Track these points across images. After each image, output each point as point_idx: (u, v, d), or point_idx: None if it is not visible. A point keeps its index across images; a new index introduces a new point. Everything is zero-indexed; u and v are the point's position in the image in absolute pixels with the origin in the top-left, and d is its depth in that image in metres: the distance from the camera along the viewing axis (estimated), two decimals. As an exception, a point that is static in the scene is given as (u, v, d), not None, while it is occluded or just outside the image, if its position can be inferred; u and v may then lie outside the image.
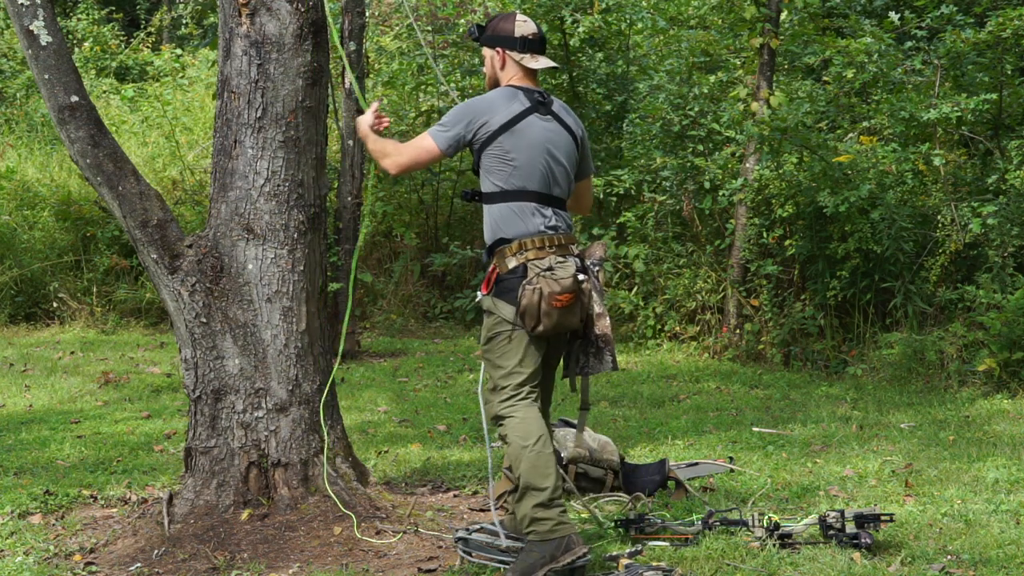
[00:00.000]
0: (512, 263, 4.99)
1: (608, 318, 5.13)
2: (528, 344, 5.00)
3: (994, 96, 10.39)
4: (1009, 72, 10.74)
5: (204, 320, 5.71)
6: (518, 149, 5.00)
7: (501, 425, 5.06)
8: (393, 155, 5.14)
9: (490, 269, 5.08)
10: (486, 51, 5.20)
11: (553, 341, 5.14)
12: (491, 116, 5.01)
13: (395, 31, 15.39)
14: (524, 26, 5.14)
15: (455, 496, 6.47)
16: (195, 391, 5.76)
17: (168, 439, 7.81)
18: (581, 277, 4.97)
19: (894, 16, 11.19)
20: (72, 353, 11.03)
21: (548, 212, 5.04)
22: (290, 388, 5.77)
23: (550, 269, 4.92)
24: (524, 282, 4.92)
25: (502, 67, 5.16)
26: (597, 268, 5.11)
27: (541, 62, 5.16)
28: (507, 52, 5.13)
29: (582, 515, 6.01)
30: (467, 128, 5.04)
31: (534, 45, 5.15)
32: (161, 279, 5.76)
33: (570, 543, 4.93)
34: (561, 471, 5.21)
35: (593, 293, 5.05)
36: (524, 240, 4.98)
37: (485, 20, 5.30)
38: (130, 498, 6.33)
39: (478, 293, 5.20)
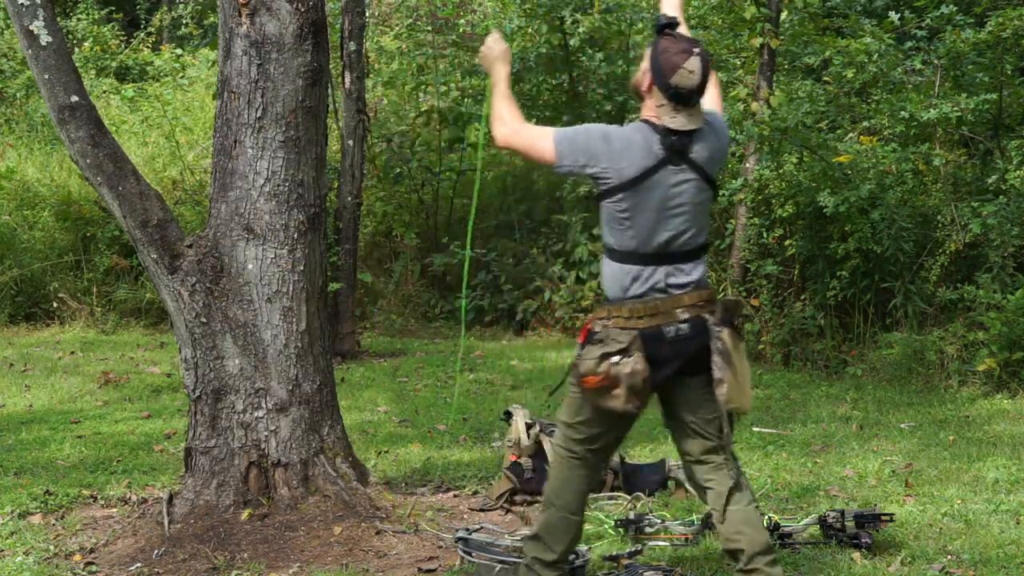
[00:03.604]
0: (596, 326, 4.54)
1: (726, 386, 4.49)
2: (595, 412, 4.58)
3: (994, 96, 10.38)
4: (1009, 72, 10.74)
5: (204, 320, 5.71)
6: (637, 209, 4.45)
7: (553, 459, 4.86)
8: (509, 129, 4.60)
9: (588, 319, 4.71)
10: (646, 54, 4.55)
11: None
12: (619, 166, 4.42)
13: (395, 31, 15.39)
14: (684, 77, 4.40)
15: (455, 496, 6.47)
16: (195, 391, 5.76)
17: (168, 439, 7.80)
18: (615, 359, 4.42)
19: (894, 16, 11.19)
20: (72, 353, 11.03)
21: (660, 274, 4.50)
22: (290, 388, 5.77)
23: (600, 343, 4.47)
24: (576, 355, 4.55)
25: (646, 90, 4.50)
26: (719, 329, 4.50)
27: (677, 121, 4.43)
28: (655, 86, 4.46)
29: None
30: (588, 164, 4.46)
31: (683, 99, 4.42)
32: (161, 279, 5.76)
33: None
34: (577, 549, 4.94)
35: (715, 356, 4.47)
36: (614, 307, 4.52)
37: (658, 21, 4.58)
38: (130, 498, 6.33)
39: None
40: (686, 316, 4.49)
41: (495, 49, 4.76)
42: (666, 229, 4.47)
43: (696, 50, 4.40)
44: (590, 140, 4.47)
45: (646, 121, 4.50)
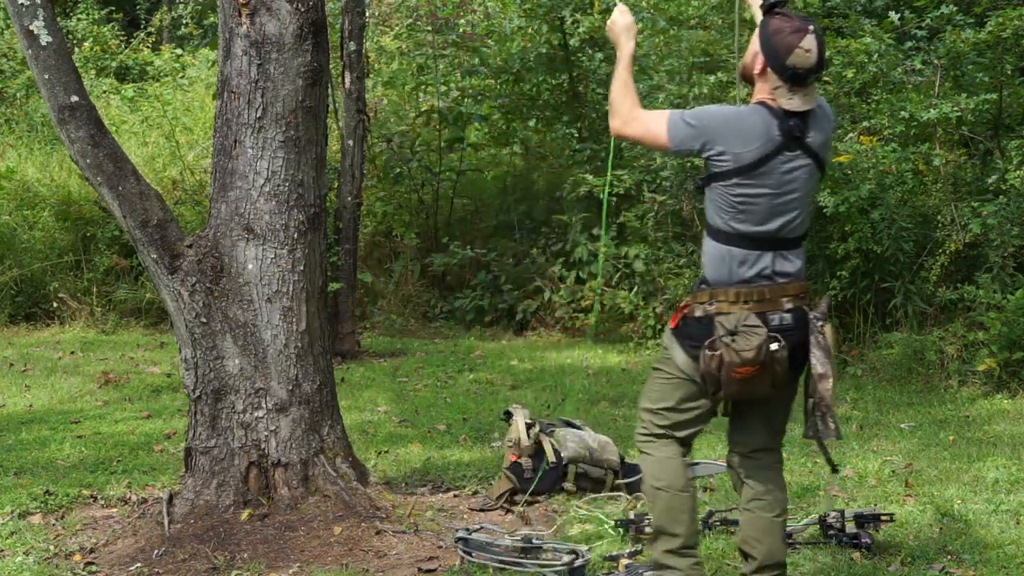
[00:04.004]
0: (698, 312, 4.46)
1: (831, 380, 4.44)
2: (688, 397, 4.57)
3: (994, 96, 10.38)
4: (1009, 72, 10.73)
5: (204, 320, 5.72)
6: (753, 194, 4.37)
7: (640, 455, 4.77)
8: (621, 121, 4.47)
9: (683, 303, 4.59)
10: (756, 35, 4.44)
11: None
12: (737, 148, 4.32)
13: (395, 31, 15.39)
14: (802, 57, 4.30)
15: (455, 496, 6.47)
16: (195, 391, 5.76)
17: (168, 439, 7.81)
18: (773, 347, 4.31)
19: (894, 16, 11.18)
20: (72, 353, 11.03)
21: (767, 259, 4.41)
22: (290, 388, 5.77)
23: (733, 334, 4.34)
24: (707, 344, 4.39)
25: (759, 73, 4.40)
26: (820, 323, 4.44)
27: (796, 101, 4.35)
28: (770, 68, 4.36)
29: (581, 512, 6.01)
30: (705, 146, 4.36)
31: (800, 79, 4.33)
32: (161, 279, 5.77)
33: None
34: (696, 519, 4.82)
35: (816, 351, 4.41)
36: (718, 291, 4.42)
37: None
38: (130, 498, 6.33)
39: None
40: (790, 306, 4.42)
41: (620, 21, 4.62)
42: (779, 215, 4.40)
43: (811, 27, 4.31)
44: (707, 122, 4.37)
45: (763, 104, 4.40)
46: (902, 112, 10.30)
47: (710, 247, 4.48)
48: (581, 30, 13.20)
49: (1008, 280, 9.62)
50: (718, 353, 4.34)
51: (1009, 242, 9.68)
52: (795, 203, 4.43)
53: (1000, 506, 6.09)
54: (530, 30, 13.72)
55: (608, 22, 4.66)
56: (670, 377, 4.60)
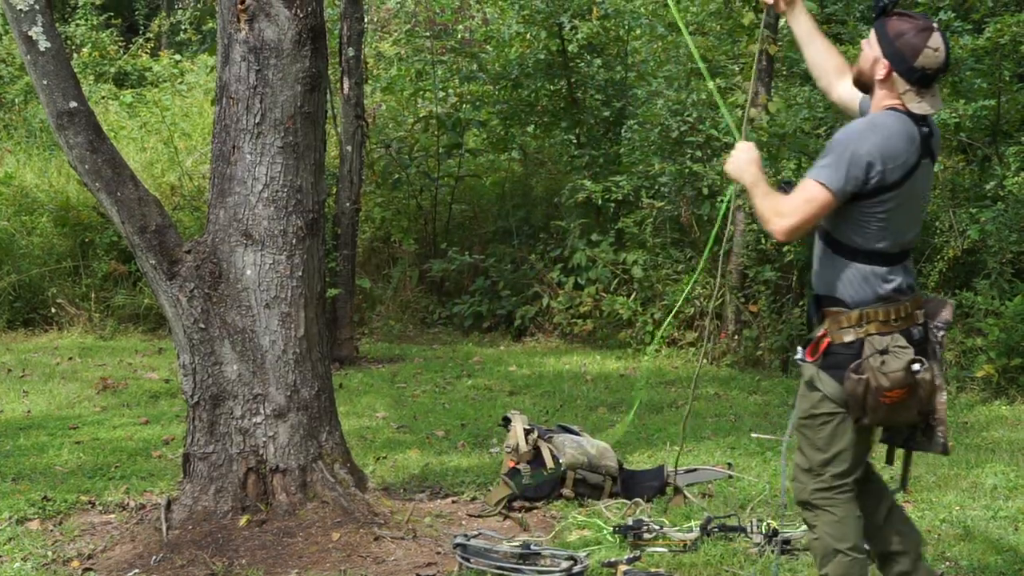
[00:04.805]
0: (849, 336, 4.16)
1: (945, 393, 4.27)
2: (858, 430, 4.24)
3: (992, 102, 10.39)
4: (1007, 78, 10.75)
5: (202, 326, 5.71)
6: (898, 207, 4.14)
7: (811, 512, 4.36)
8: (785, 222, 4.13)
9: (820, 334, 4.25)
10: (872, 40, 4.20)
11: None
12: (891, 164, 4.07)
13: (394, 37, 15.40)
14: (931, 57, 4.09)
15: (453, 502, 6.47)
16: (193, 396, 5.76)
17: (166, 445, 7.80)
18: (916, 367, 4.09)
19: (892, 22, 11.19)
20: (70, 359, 11.02)
21: (899, 272, 4.21)
22: (288, 394, 5.77)
23: (884, 353, 4.10)
24: (851, 367, 4.12)
25: (882, 79, 4.16)
26: (941, 333, 4.26)
27: (924, 105, 4.14)
28: (893, 73, 4.15)
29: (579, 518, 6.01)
30: (867, 172, 4.05)
31: (928, 80, 4.13)
32: (159, 285, 5.76)
33: None
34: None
35: (934, 366, 4.20)
36: (867, 310, 4.15)
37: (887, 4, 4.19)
38: (128, 504, 6.33)
39: (798, 351, 4.36)
40: (922, 320, 4.25)
41: (742, 158, 4.36)
42: (913, 226, 4.25)
43: (934, 25, 4.12)
44: (852, 153, 4.05)
45: (900, 111, 4.15)
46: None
47: (846, 268, 4.19)
48: (579, 36, 13.22)
49: (1006, 286, 9.63)
50: (864, 377, 4.09)
51: (1007, 248, 9.69)
52: (923, 210, 4.31)
53: (999, 512, 6.08)
54: (528, 36, 13.74)
55: (727, 164, 4.42)
56: (830, 417, 4.25)
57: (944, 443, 4.30)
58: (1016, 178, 9.98)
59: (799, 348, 4.35)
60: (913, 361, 4.09)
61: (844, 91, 4.53)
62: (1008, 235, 9.68)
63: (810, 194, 4.09)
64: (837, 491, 4.29)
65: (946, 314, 4.29)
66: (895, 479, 4.71)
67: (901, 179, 4.09)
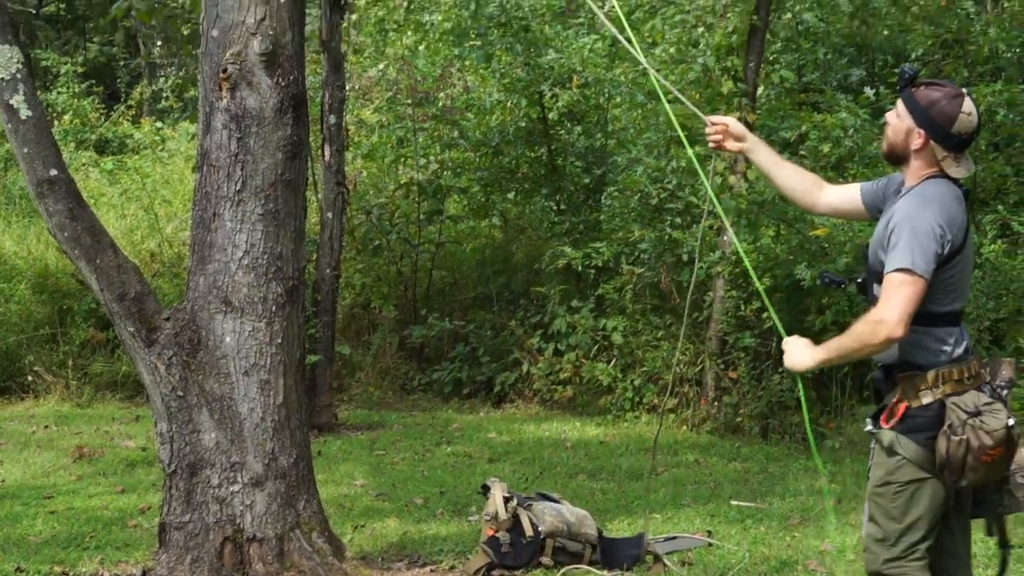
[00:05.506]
0: (927, 398, 4.15)
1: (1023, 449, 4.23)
2: (935, 496, 4.20)
3: (968, 170, 10.49)
4: (983, 147, 10.86)
5: (181, 393, 5.69)
6: (960, 268, 4.18)
7: None
8: (885, 322, 4.10)
9: (895, 400, 4.23)
10: (902, 111, 4.26)
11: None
12: (954, 228, 4.13)
13: (375, 104, 15.49)
14: (966, 122, 4.18)
15: (432, 571, 6.42)
16: (170, 465, 5.72)
17: (143, 514, 7.73)
18: (1011, 422, 4.07)
19: (869, 92, 11.32)
20: (46, 427, 10.94)
21: (963, 332, 4.25)
22: (266, 462, 5.74)
23: (978, 415, 4.07)
24: (946, 429, 4.09)
25: (919, 149, 4.21)
26: (1006, 392, 4.22)
27: (963, 167, 4.23)
28: (931, 142, 4.20)
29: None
30: (941, 244, 4.08)
31: (964, 145, 4.23)
32: (138, 352, 5.75)
33: None
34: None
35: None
36: (942, 371, 4.15)
37: (922, 74, 4.17)
38: (103, 574, 6.26)
39: (868, 422, 4.36)
40: (988, 377, 4.24)
41: (794, 350, 4.39)
42: (967, 287, 4.32)
43: (964, 91, 4.20)
44: (926, 232, 4.07)
45: (947, 178, 4.22)
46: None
47: (915, 334, 4.13)
48: (560, 104, 13.32)
49: (984, 353, 9.66)
50: (964, 437, 4.05)
51: (985, 315, 9.74)
52: (971, 270, 4.38)
53: (980, 580, 6.06)
54: (509, 104, 13.84)
55: (788, 361, 4.41)
56: (906, 485, 4.20)
57: None
58: (993, 246, 10.06)
59: (869, 419, 4.34)
60: (1009, 416, 4.09)
61: (832, 198, 4.59)
62: (986, 303, 9.73)
63: (907, 285, 4.05)
64: (909, 559, 4.24)
65: (1008, 372, 4.27)
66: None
67: (963, 241, 4.16)
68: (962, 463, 4.06)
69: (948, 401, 4.11)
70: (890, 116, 4.28)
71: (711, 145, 4.73)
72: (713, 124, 4.70)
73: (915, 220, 4.09)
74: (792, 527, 7.29)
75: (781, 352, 4.45)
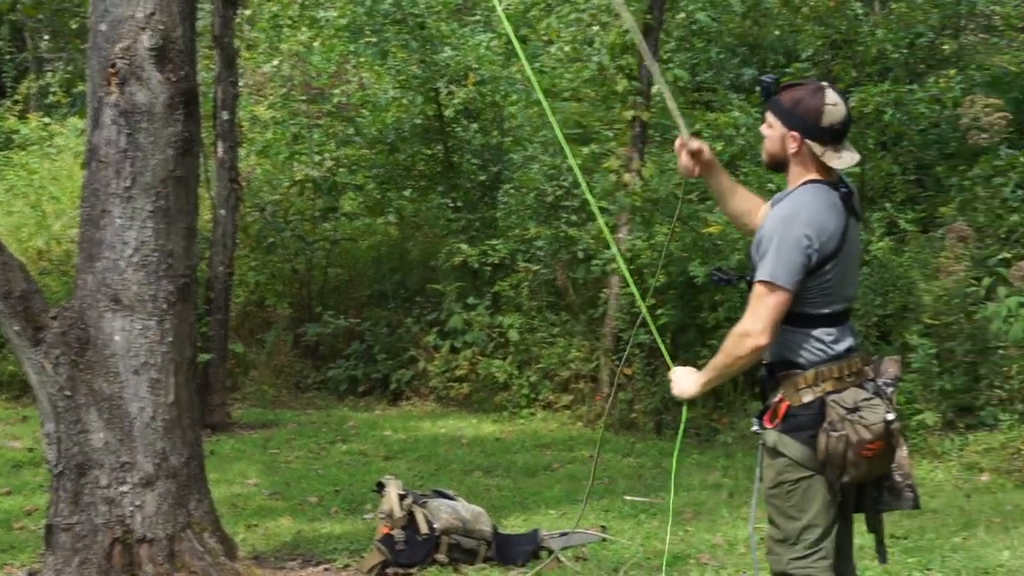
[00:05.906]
0: (807, 396, 4.16)
1: (907, 448, 4.27)
2: (827, 492, 4.20)
3: (857, 169, 10.68)
4: (871, 146, 11.07)
5: (68, 393, 5.59)
6: (836, 271, 4.17)
7: None
8: (750, 334, 4.16)
9: (777, 399, 4.24)
10: (772, 120, 4.27)
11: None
12: (824, 236, 4.11)
13: (269, 100, 15.35)
14: (833, 112, 4.16)
15: (325, 570, 6.39)
16: (58, 466, 5.62)
17: (28, 516, 7.58)
18: (890, 417, 4.09)
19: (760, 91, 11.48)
20: (-70, 427, 10.69)
21: (846, 331, 4.26)
22: (157, 462, 5.66)
23: (856, 410, 4.09)
24: (826, 426, 4.10)
25: (796, 152, 4.20)
26: (892, 389, 4.24)
27: (845, 158, 4.20)
28: (805, 141, 4.18)
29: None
30: (807, 255, 4.08)
31: (839, 135, 4.19)
32: (24, 351, 5.64)
33: None
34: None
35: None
36: (822, 369, 4.17)
37: (778, 79, 4.19)
38: (-12, 578, 6.14)
39: (754, 422, 4.36)
40: (871, 375, 4.25)
41: (681, 378, 4.43)
42: (850, 284, 4.30)
43: (823, 83, 4.20)
44: (791, 241, 4.08)
45: (819, 182, 4.20)
46: (769, 184, 10.55)
47: (797, 334, 4.20)
48: (456, 101, 13.32)
49: (872, 349, 9.85)
50: (843, 433, 4.07)
51: (872, 312, 9.92)
52: (858, 267, 4.36)
53: (865, 573, 6.18)
54: (405, 101, 13.81)
55: (675, 389, 4.46)
56: (797, 483, 4.22)
57: (915, 498, 4.31)
58: (881, 243, 10.25)
59: (755, 420, 4.35)
60: (887, 411, 4.11)
61: (761, 217, 4.57)
62: (873, 299, 9.92)
63: (771, 298, 4.10)
64: (814, 558, 4.26)
65: (894, 370, 4.30)
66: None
67: (836, 247, 4.14)
68: (843, 459, 4.08)
69: (828, 399, 4.12)
70: (763, 128, 4.30)
71: (682, 174, 4.68)
72: (685, 146, 4.61)
73: (782, 230, 4.11)
74: (685, 521, 7.37)
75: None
